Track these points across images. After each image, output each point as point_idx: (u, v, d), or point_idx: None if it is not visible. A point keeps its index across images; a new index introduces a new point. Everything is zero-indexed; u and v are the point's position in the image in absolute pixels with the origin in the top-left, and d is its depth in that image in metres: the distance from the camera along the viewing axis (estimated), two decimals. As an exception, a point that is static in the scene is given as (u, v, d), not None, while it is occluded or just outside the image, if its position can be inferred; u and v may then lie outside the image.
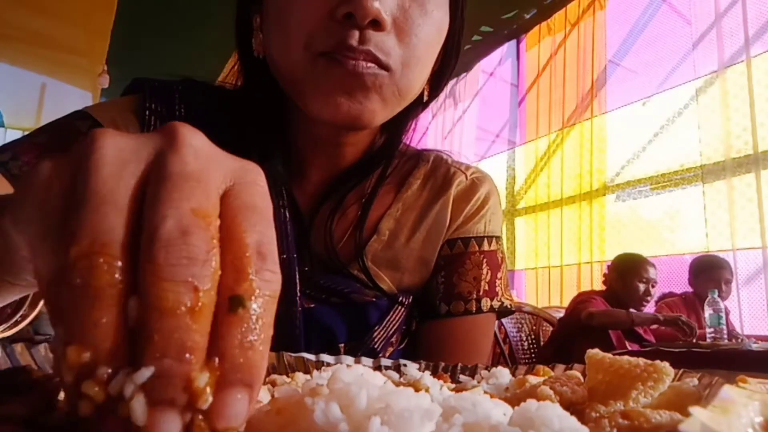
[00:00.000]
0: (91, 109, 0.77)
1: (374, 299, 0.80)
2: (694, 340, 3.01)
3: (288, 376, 0.47)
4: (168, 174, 0.26)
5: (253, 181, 0.30)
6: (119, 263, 0.23)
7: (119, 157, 0.27)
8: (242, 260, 0.25)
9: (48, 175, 0.27)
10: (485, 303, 0.84)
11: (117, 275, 0.23)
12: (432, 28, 0.69)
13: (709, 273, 3.54)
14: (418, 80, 0.71)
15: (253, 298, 0.25)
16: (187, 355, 0.23)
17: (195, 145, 0.28)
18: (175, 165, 0.26)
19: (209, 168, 0.28)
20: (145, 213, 0.25)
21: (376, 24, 0.62)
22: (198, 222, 0.25)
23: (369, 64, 0.64)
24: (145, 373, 0.22)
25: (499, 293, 0.87)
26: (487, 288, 0.85)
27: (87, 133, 0.28)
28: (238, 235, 0.26)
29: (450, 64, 0.81)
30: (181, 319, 0.23)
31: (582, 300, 3.26)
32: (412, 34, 0.66)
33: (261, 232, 0.27)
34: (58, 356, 0.23)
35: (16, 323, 0.50)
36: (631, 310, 3.21)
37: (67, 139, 0.72)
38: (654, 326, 3.32)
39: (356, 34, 0.62)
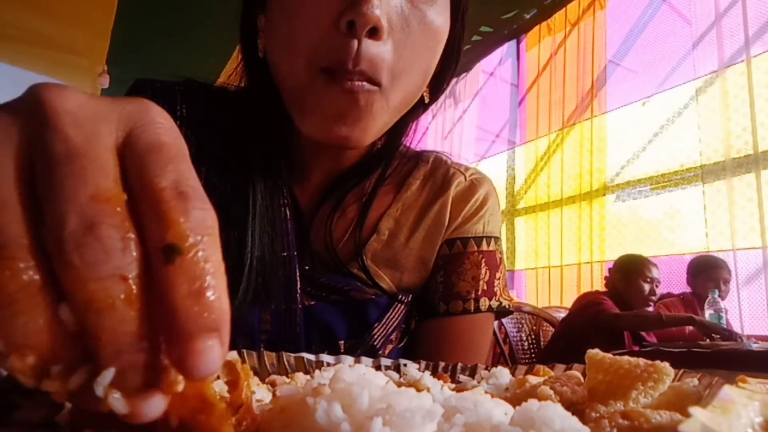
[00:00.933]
0: None
1: (374, 297, 0.81)
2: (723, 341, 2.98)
3: (288, 377, 0.47)
4: (53, 159, 0.24)
5: (152, 121, 0.27)
6: (22, 264, 0.22)
7: None
8: (162, 208, 0.24)
9: None
10: (483, 303, 0.85)
11: (26, 276, 0.22)
12: (430, 37, 0.70)
13: (707, 273, 3.53)
14: (409, 91, 0.72)
15: (188, 242, 0.23)
16: (144, 343, 0.22)
17: (70, 109, 0.25)
18: (57, 145, 0.24)
19: (96, 132, 0.25)
20: (44, 210, 0.23)
21: (375, 32, 0.63)
22: (101, 209, 0.23)
23: (362, 83, 0.65)
24: (108, 374, 0.22)
25: (498, 293, 0.87)
26: (485, 288, 0.85)
27: None
28: (149, 182, 0.24)
29: (450, 68, 0.82)
30: (121, 312, 0.22)
31: (593, 301, 3.22)
32: (408, 46, 0.68)
33: (175, 170, 0.25)
34: (7, 367, 0.22)
35: None
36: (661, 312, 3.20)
37: None
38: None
39: (353, 49, 0.63)
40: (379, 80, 0.66)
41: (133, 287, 0.22)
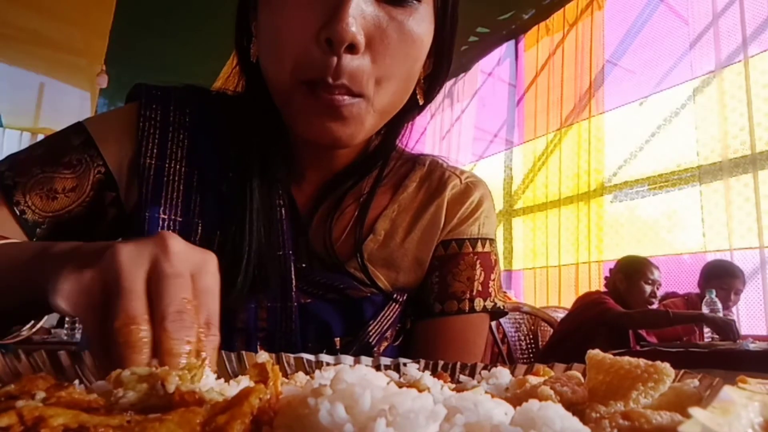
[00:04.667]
0: (88, 121, 0.80)
1: (369, 295, 0.82)
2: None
3: (287, 377, 0.47)
4: (165, 275, 0.44)
5: (206, 270, 0.47)
6: (143, 328, 0.41)
7: (132, 262, 0.44)
8: (199, 332, 0.44)
9: (89, 277, 0.45)
10: (478, 303, 0.86)
11: (142, 335, 0.40)
12: (410, 46, 0.71)
13: (721, 280, 3.46)
14: (395, 95, 0.73)
15: (204, 350, 0.43)
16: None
17: (178, 251, 0.46)
18: (168, 268, 0.44)
19: (187, 265, 0.46)
20: (155, 301, 0.42)
21: (352, 48, 0.65)
22: (186, 305, 0.43)
23: (343, 97, 0.67)
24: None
25: (492, 294, 0.88)
26: (480, 288, 0.87)
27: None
28: (200, 315, 0.45)
29: (442, 70, 0.83)
30: (183, 359, 0.41)
31: (596, 300, 3.20)
32: (386, 56, 0.68)
33: (209, 309, 0.46)
34: None
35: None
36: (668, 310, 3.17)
37: (61, 153, 0.76)
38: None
39: (333, 64, 0.65)
40: (360, 91, 0.68)
41: (193, 346, 0.42)
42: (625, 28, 5.19)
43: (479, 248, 0.89)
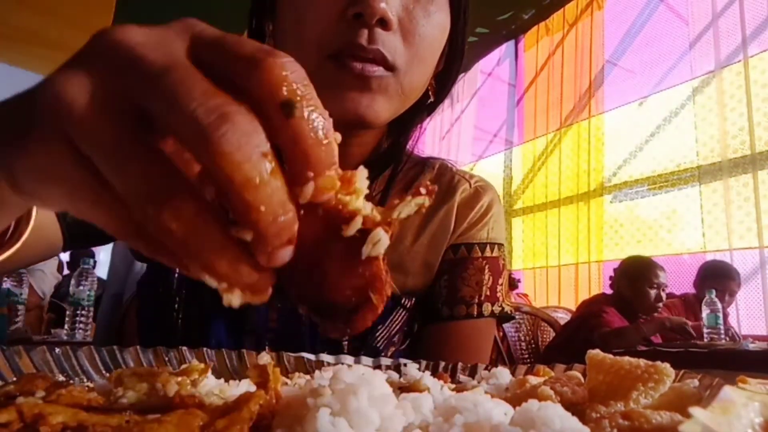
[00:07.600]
0: None
1: None
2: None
3: (287, 377, 0.47)
4: (153, 82, 0.26)
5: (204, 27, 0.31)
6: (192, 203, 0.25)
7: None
8: (262, 69, 0.25)
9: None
10: (486, 308, 0.86)
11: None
12: (435, 28, 0.72)
13: (716, 281, 3.45)
14: (421, 79, 0.74)
15: (298, 93, 0.25)
16: (288, 205, 0.25)
17: (141, 39, 0.29)
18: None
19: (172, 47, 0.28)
20: (170, 124, 0.25)
21: (383, 23, 0.65)
22: (222, 101, 0.24)
23: (375, 68, 0.67)
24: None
25: (500, 299, 0.89)
26: (488, 293, 0.87)
27: None
28: (233, 55, 0.26)
29: (455, 65, 0.83)
30: (271, 185, 0.25)
31: (593, 314, 3.10)
32: (416, 34, 0.70)
33: (247, 41, 0.27)
34: None
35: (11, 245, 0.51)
36: (640, 321, 3.11)
37: None
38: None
39: (365, 33, 0.65)
40: (393, 63, 0.68)
41: (272, 160, 0.24)
42: (625, 28, 5.19)
43: (488, 253, 0.89)
